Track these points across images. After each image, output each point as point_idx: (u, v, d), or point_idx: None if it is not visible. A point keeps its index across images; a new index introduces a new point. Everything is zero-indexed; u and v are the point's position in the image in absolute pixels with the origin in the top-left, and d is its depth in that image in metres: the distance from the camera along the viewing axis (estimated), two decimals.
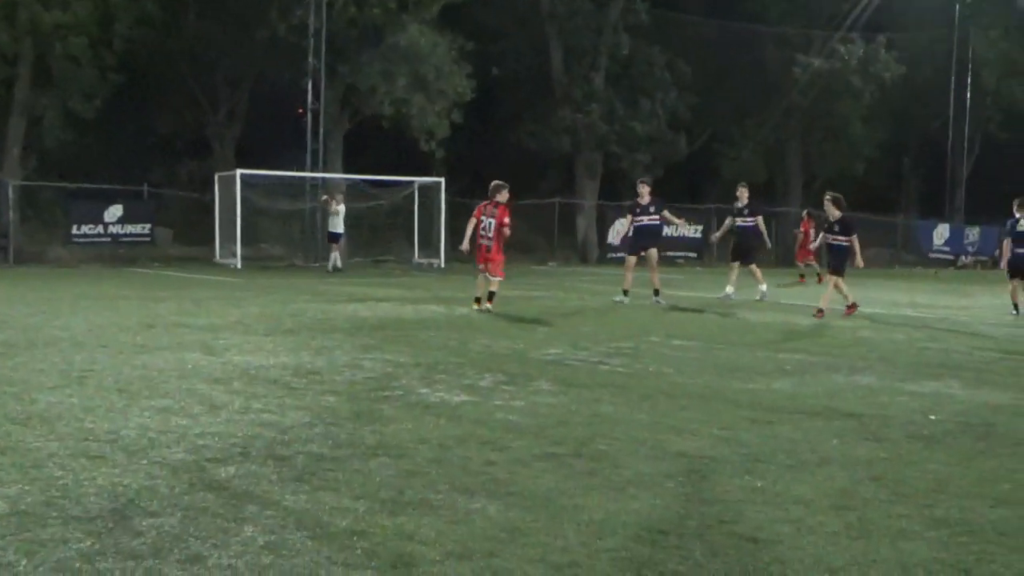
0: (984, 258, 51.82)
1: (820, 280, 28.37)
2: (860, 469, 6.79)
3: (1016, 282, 20.63)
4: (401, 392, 9.38)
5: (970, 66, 50.98)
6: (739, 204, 22.82)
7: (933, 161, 55.36)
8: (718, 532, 5.37)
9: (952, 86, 51.02)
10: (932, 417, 8.72)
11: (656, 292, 20.59)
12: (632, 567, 4.82)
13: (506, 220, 17.83)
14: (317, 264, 35.12)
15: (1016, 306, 20.54)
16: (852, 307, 18.90)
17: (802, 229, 31.75)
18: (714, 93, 47.69)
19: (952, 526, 5.57)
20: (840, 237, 18.63)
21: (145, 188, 37.63)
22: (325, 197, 33.25)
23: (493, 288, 17.89)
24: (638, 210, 20.94)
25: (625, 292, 20.41)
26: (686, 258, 43.57)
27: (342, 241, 33.14)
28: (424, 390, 9.51)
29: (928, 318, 19.19)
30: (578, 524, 5.44)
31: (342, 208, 32.47)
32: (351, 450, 7.00)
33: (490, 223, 17.88)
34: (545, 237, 43.93)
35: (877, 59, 46.58)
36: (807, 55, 46.36)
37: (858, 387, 10.39)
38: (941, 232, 51.38)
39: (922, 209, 57.82)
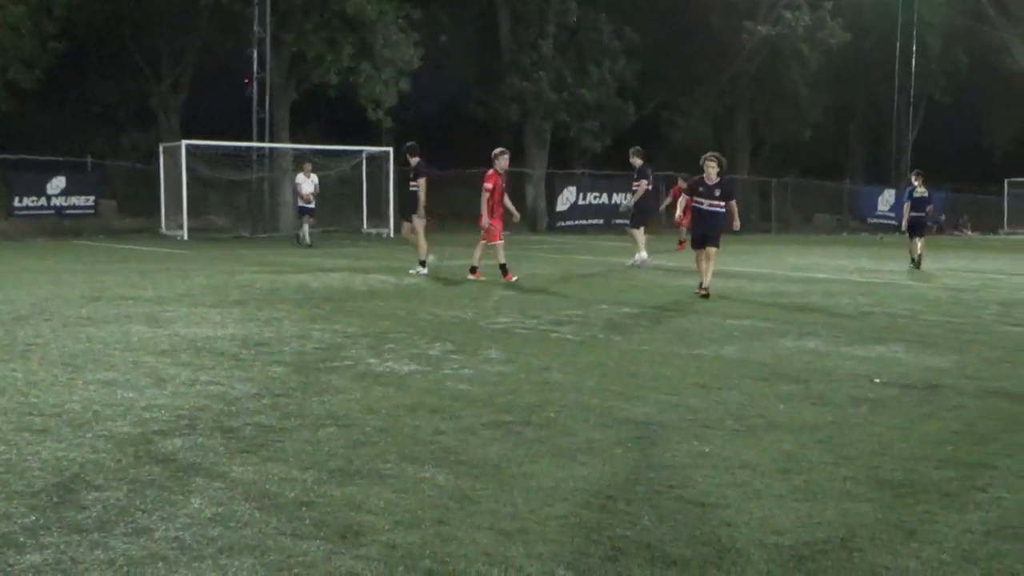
0: (929, 224, 52.32)
1: (682, 247, 28.07)
2: (806, 433, 6.86)
3: (915, 240, 23.82)
4: (350, 362, 9.35)
5: (915, 32, 51.34)
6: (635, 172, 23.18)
7: (879, 127, 55.82)
8: (666, 497, 5.40)
9: (897, 52, 51.38)
10: (877, 381, 8.82)
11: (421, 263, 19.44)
12: (581, 532, 4.84)
13: (487, 185, 17.84)
14: (265, 235, 34.86)
15: (914, 260, 23.62)
16: (705, 291, 15.76)
17: (671, 196, 30.37)
18: (662, 60, 47.72)
19: (896, 487, 5.64)
20: (719, 203, 15.74)
21: (88, 159, 37.11)
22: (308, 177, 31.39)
23: (475, 261, 18.12)
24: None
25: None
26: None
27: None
28: (373, 360, 9.48)
29: (873, 283, 19.38)
30: (527, 491, 5.45)
31: (314, 178, 31.13)
32: (299, 421, 6.97)
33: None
34: None
35: (823, 26, 46.83)
36: (754, 22, 46.50)
37: (804, 352, 10.48)
38: (886, 198, 51.83)
39: (868, 175, 58.31)
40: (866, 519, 5.09)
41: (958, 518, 5.14)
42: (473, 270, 18.00)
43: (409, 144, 19.79)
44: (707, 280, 15.82)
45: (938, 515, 5.18)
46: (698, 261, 16.15)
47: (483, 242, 18.10)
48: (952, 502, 5.40)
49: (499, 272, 17.89)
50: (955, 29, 53.69)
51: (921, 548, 4.72)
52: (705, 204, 15.81)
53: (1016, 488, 5.67)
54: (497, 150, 18.32)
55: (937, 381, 8.88)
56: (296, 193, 30.51)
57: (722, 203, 15.76)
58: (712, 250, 15.87)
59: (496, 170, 17.89)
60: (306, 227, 29.83)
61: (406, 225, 20.04)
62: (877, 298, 16.29)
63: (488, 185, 17.79)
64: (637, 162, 23.00)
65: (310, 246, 28.97)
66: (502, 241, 18.12)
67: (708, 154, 16.31)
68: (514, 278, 17.67)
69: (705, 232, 15.96)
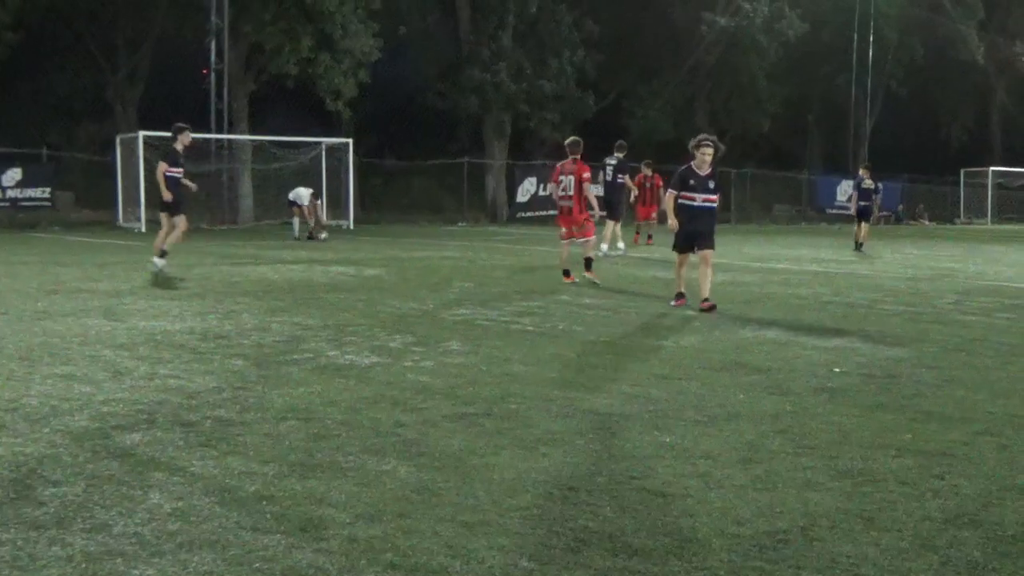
0: (887, 213, 52.81)
1: (648, 240, 27.46)
2: (766, 422, 6.89)
3: (860, 226, 26.51)
4: (310, 355, 9.31)
5: (872, 23, 51.73)
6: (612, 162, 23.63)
7: (837, 117, 56.21)
8: (627, 488, 5.41)
9: (855, 43, 51.74)
10: (836, 370, 8.87)
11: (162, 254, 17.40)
12: (542, 524, 4.84)
13: (586, 175, 16.18)
14: (224, 227, 34.65)
15: (859, 245, 26.28)
16: (683, 298, 13.38)
17: (635, 184, 27.97)
18: (622, 51, 47.85)
19: (855, 476, 5.68)
20: (713, 196, 13.25)
21: (44, 151, 36.75)
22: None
23: (588, 253, 16.38)
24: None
25: None
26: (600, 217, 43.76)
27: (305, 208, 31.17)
28: (333, 352, 9.44)
29: (832, 273, 19.50)
30: (488, 483, 5.44)
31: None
32: (260, 414, 6.93)
33: (570, 181, 16.32)
34: (455, 197, 43.87)
35: (781, 17, 47.08)
36: (713, 13, 46.68)
37: (764, 342, 10.53)
38: (844, 188, 52.14)
39: (826, 165, 58.71)
40: (826, 508, 5.12)
41: (916, 506, 5.18)
42: (567, 273, 16.35)
43: (178, 124, 17.92)
44: (706, 291, 13.02)
45: (897, 503, 5.22)
46: (680, 265, 13.54)
47: (586, 239, 16.37)
48: (910, 490, 5.44)
49: (564, 272, 16.46)
50: (911, 20, 54.18)
51: (880, 536, 4.75)
52: (699, 199, 13.10)
53: (973, 476, 5.72)
54: (577, 138, 16.72)
55: (895, 370, 8.94)
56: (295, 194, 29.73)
57: (715, 197, 13.29)
58: (709, 253, 13.20)
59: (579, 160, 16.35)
60: (296, 220, 29.43)
61: (174, 220, 17.76)
62: (836, 288, 16.39)
63: (587, 175, 16.19)
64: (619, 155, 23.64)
65: (297, 239, 28.69)
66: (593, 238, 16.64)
67: (702, 137, 13.53)
68: (577, 280, 16.18)
69: (698, 230, 13.19)
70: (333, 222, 36.26)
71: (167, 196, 17.61)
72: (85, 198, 37.62)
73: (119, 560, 4.34)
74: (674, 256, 13.76)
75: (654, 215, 27.38)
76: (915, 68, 55.68)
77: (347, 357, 9.21)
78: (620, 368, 8.85)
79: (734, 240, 30.64)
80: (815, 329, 11.47)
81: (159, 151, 18.32)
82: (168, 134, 18.40)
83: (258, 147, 36.71)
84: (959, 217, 54.30)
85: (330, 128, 39.21)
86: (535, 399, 7.50)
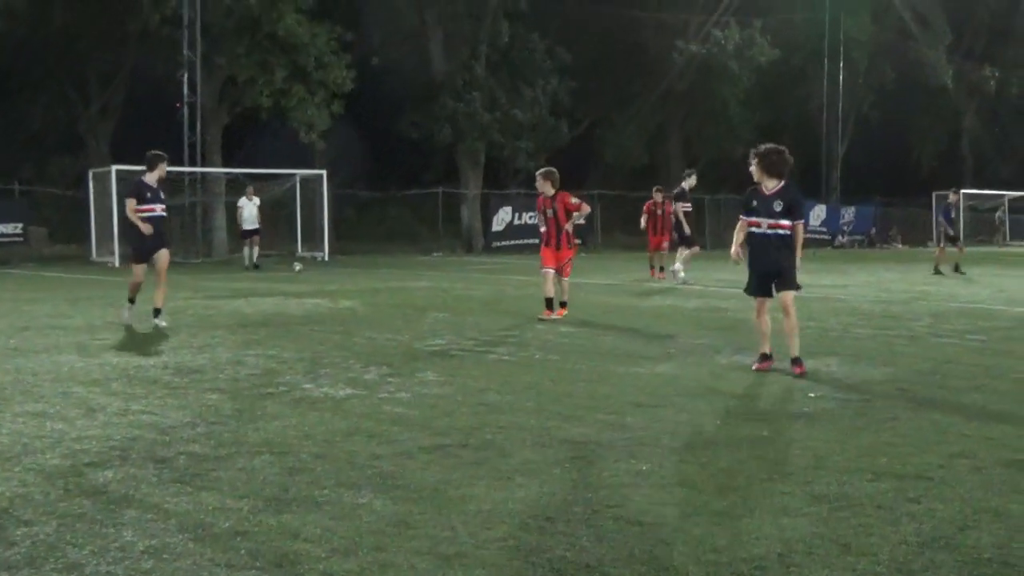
0: (859, 237, 53.11)
1: (661, 274, 24.86)
2: (743, 449, 6.89)
3: (946, 248, 27.50)
4: (285, 388, 9.27)
5: (842, 49, 52.18)
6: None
7: (809, 143, 56.55)
8: (604, 517, 5.40)
9: (825, 68, 52.18)
10: (811, 395, 8.90)
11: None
12: (519, 555, 4.82)
13: (571, 201, 15.65)
14: (198, 260, 34.55)
15: (956, 267, 26.93)
16: (768, 360, 10.54)
17: (645, 211, 25.68)
18: (595, 79, 48.09)
19: (832, 501, 5.68)
20: (783, 222, 10.22)
21: (16, 186, 36.58)
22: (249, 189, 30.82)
23: (565, 297, 15.76)
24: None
25: None
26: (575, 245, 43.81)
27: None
28: (308, 385, 9.41)
29: (806, 297, 19.54)
30: (465, 514, 5.42)
31: (256, 201, 30.80)
32: (234, 449, 6.89)
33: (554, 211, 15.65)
34: (429, 227, 43.90)
35: (753, 43, 47.45)
36: (685, 40, 47.00)
37: (740, 367, 10.55)
38: (818, 213, 52.50)
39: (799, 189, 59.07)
40: (802, 533, 5.12)
41: (892, 530, 5.18)
42: (555, 305, 15.53)
43: (155, 153, 15.38)
44: (794, 348, 10.33)
45: (873, 528, 5.22)
46: (758, 313, 10.69)
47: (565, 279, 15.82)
48: (886, 514, 5.44)
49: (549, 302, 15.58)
50: (881, 45, 54.77)
51: (856, 561, 4.75)
52: (764, 225, 10.30)
53: (949, 499, 5.73)
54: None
55: (870, 394, 8.97)
56: (239, 217, 30.17)
57: (788, 223, 10.24)
58: (788, 296, 10.37)
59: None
60: (246, 250, 29.67)
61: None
62: (809, 312, 16.41)
63: (572, 201, 15.79)
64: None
65: (257, 267, 28.82)
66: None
67: (753, 151, 10.69)
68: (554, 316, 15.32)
69: (770, 268, 10.39)
70: (308, 254, 36.25)
71: (147, 229, 14.54)
72: (58, 233, 37.46)
73: None
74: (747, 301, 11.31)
75: (665, 245, 25.37)
76: (885, 92, 56.19)
77: (322, 390, 9.18)
78: (595, 396, 8.85)
79: (708, 266, 30.73)
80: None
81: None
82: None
83: (232, 180, 36.65)
84: (932, 240, 54.59)
85: (304, 159, 39.23)
86: (511, 429, 7.48)
